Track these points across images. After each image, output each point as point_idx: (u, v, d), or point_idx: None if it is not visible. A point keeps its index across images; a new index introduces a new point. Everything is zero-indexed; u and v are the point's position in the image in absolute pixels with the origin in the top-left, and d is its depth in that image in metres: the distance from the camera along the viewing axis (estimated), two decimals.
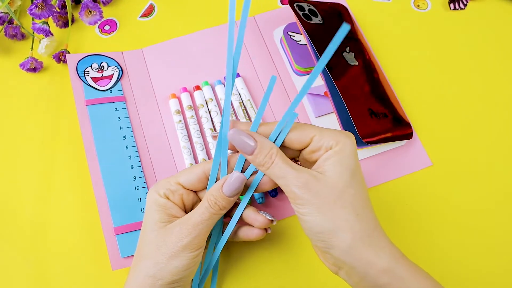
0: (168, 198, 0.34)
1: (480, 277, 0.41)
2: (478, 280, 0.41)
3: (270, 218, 0.35)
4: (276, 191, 0.43)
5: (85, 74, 0.49)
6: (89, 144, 0.45)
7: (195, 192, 0.36)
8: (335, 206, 0.30)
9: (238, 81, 0.49)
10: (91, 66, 0.50)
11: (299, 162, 0.35)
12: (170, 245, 0.32)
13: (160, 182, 0.35)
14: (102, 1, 0.55)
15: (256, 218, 0.35)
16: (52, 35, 0.52)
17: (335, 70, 0.45)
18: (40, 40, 0.51)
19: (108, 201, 0.43)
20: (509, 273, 0.41)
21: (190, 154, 0.45)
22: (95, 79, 0.49)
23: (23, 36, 0.54)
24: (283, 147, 0.33)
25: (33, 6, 0.49)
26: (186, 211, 0.35)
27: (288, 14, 0.54)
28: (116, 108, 0.48)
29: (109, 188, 0.43)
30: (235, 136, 0.32)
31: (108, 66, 0.50)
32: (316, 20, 0.48)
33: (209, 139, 0.46)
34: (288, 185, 0.31)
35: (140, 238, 0.34)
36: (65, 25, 0.54)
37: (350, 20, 0.52)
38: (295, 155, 0.34)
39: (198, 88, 0.49)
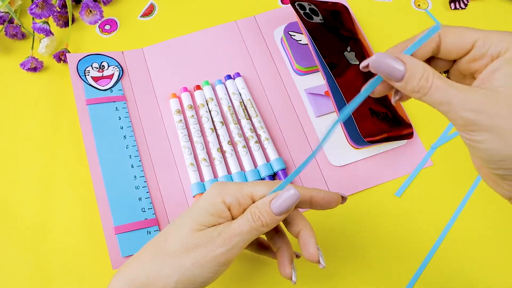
0: (229, 209, 0.30)
1: (481, 276, 0.41)
2: (480, 279, 0.41)
3: (342, 195, 0.33)
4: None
5: (86, 74, 0.49)
6: (90, 143, 0.45)
7: None
8: None
9: (238, 80, 0.49)
10: (91, 66, 0.50)
11: (449, 77, 0.30)
12: (200, 252, 0.29)
13: (229, 187, 0.31)
14: (103, 1, 0.55)
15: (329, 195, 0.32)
16: (53, 34, 0.52)
17: (337, 69, 0.45)
18: (40, 39, 0.51)
19: (109, 201, 0.43)
20: (509, 268, 0.41)
21: (191, 153, 0.45)
22: (95, 79, 0.49)
23: (23, 36, 0.54)
24: (432, 58, 0.28)
25: (34, 5, 0.49)
26: None
27: (288, 14, 0.54)
28: (116, 107, 0.48)
29: (109, 188, 0.43)
30: (379, 60, 0.26)
31: (108, 66, 0.50)
32: (317, 19, 0.48)
33: (209, 138, 0.46)
34: (456, 110, 0.25)
35: (167, 230, 0.31)
36: (66, 24, 0.54)
37: (350, 19, 0.52)
38: (445, 68, 0.29)
39: (198, 87, 0.49)
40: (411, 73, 0.26)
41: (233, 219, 0.31)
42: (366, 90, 0.27)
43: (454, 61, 0.28)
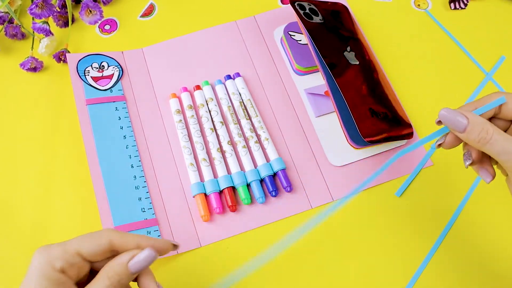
0: (63, 272, 0.28)
1: (480, 277, 0.41)
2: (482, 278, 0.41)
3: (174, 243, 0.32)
4: (276, 191, 0.43)
5: (86, 74, 0.49)
6: (90, 143, 0.45)
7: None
8: None
9: (238, 80, 0.49)
10: (91, 66, 0.50)
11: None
12: None
13: (54, 250, 0.28)
14: (103, 1, 0.55)
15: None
16: (52, 34, 0.52)
17: (337, 69, 0.45)
18: (40, 39, 0.51)
19: (109, 201, 0.43)
20: (509, 268, 0.41)
21: (191, 153, 0.45)
22: (95, 79, 0.49)
23: (23, 36, 0.54)
24: (493, 118, 0.32)
25: (33, 5, 0.49)
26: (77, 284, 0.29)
27: (288, 14, 0.54)
28: (116, 107, 0.48)
29: (109, 188, 0.43)
30: (447, 114, 0.31)
31: (108, 66, 0.50)
32: (317, 19, 0.48)
33: (209, 138, 0.46)
34: (510, 160, 0.29)
35: None
36: (66, 24, 0.54)
37: (350, 19, 0.52)
38: (503, 128, 0.33)
39: (198, 87, 0.49)
40: (472, 126, 0.30)
41: (72, 280, 0.28)
42: (434, 134, 0.33)
43: (511, 122, 0.32)
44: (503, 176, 0.33)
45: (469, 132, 0.30)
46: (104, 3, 0.56)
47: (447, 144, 0.33)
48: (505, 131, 0.33)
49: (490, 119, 0.32)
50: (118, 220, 0.42)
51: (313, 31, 0.46)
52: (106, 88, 0.49)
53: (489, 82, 0.51)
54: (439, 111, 0.31)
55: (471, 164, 0.33)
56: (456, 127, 0.31)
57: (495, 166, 0.34)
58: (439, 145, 0.34)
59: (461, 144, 0.33)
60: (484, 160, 0.34)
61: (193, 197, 0.44)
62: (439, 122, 0.32)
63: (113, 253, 0.29)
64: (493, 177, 0.34)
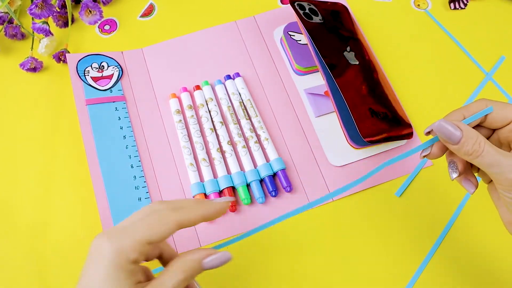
0: (136, 263, 0.27)
1: (480, 276, 0.41)
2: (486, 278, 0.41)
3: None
4: (276, 191, 0.43)
5: (85, 74, 0.49)
6: (89, 143, 0.45)
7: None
8: None
9: (238, 80, 0.49)
10: (91, 66, 0.50)
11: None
12: None
13: (127, 240, 0.26)
14: (102, 1, 0.55)
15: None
16: (52, 34, 0.52)
17: (337, 69, 0.45)
18: (40, 39, 0.51)
19: (108, 200, 0.43)
20: (509, 268, 0.41)
21: (190, 153, 0.45)
22: (95, 79, 0.49)
23: (23, 36, 0.54)
24: (477, 126, 0.33)
25: (33, 5, 0.49)
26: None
27: (288, 14, 0.54)
28: (116, 107, 0.48)
29: (109, 188, 0.43)
30: (441, 127, 0.31)
31: (108, 66, 0.50)
32: (317, 19, 0.48)
33: (209, 138, 0.46)
34: (504, 172, 0.29)
35: None
36: (65, 24, 0.54)
37: (350, 19, 0.52)
38: (485, 136, 0.33)
39: (198, 87, 0.49)
40: (466, 138, 0.30)
41: (143, 269, 0.29)
42: (423, 145, 0.33)
43: (494, 130, 0.33)
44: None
45: (462, 145, 0.30)
46: (104, 3, 0.56)
47: (433, 155, 0.33)
48: (488, 138, 0.34)
49: (474, 128, 0.33)
50: (118, 220, 0.42)
51: (313, 31, 0.46)
52: (106, 88, 0.49)
53: (489, 82, 0.51)
54: (433, 123, 0.32)
55: (457, 176, 0.33)
56: (450, 139, 0.31)
57: (476, 174, 0.34)
58: (424, 156, 0.34)
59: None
60: (467, 171, 0.34)
61: (193, 197, 0.43)
62: (428, 133, 0.32)
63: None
64: (476, 187, 0.34)
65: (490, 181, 0.34)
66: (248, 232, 0.33)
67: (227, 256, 0.30)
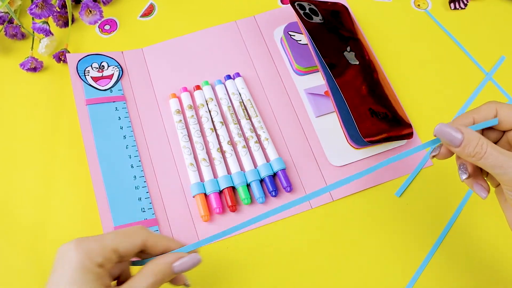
0: (102, 267, 0.28)
1: (480, 276, 0.41)
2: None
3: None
4: (276, 191, 0.43)
5: (86, 74, 0.49)
6: (90, 143, 0.45)
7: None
8: None
9: (238, 80, 0.49)
10: (91, 66, 0.50)
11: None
12: None
13: (93, 244, 0.28)
14: (102, 1, 0.55)
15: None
16: (52, 34, 0.52)
17: (337, 69, 0.45)
18: (40, 39, 0.51)
19: (109, 201, 0.43)
20: (509, 268, 0.41)
21: (191, 153, 0.45)
22: (95, 79, 0.49)
23: (23, 36, 0.54)
24: (487, 128, 0.33)
25: (33, 5, 0.49)
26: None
27: (288, 14, 0.54)
28: (116, 107, 0.48)
29: (109, 188, 0.43)
30: (441, 130, 0.31)
31: (108, 66, 0.50)
32: (317, 19, 0.48)
33: (209, 138, 0.46)
34: (507, 173, 0.30)
35: None
36: (65, 24, 0.54)
37: (350, 20, 0.52)
38: (495, 138, 0.34)
39: (198, 87, 0.49)
40: (467, 141, 0.30)
41: (109, 276, 0.29)
42: (427, 144, 0.33)
43: (504, 132, 0.33)
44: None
45: (464, 147, 0.31)
46: (104, 3, 0.56)
47: (441, 155, 0.34)
48: (497, 141, 0.34)
49: (482, 131, 0.33)
50: (118, 220, 0.42)
51: (313, 31, 0.46)
52: (106, 88, 0.49)
53: (489, 82, 0.51)
54: (435, 126, 0.32)
55: (467, 178, 0.33)
56: (452, 142, 0.31)
57: (485, 178, 0.34)
58: (433, 157, 0.34)
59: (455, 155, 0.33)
60: (477, 174, 0.34)
61: (193, 197, 0.43)
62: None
63: (141, 252, 0.30)
64: (488, 192, 0.34)
65: (498, 185, 0.34)
66: (237, 226, 0.33)
67: (196, 259, 0.31)
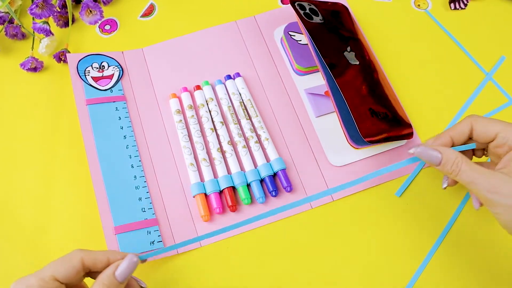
0: None
1: (481, 276, 0.41)
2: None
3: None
4: (276, 191, 0.43)
5: (86, 74, 0.49)
6: (90, 143, 0.45)
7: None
8: None
9: (238, 80, 0.49)
10: (91, 66, 0.50)
11: (486, 153, 0.39)
12: None
13: (31, 280, 0.30)
14: (103, 1, 0.56)
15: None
16: (53, 34, 0.52)
17: (337, 69, 0.45)
18: (40, 39, 0.51)
19: (109, 200, 0.43)
20: (509, 268, 0.41)
21: (191, 153, 0.45)
22: (95, 79, 0.49)
23: (23, 36, 0.54)
24: (471, 139, 0.37)
25: (34, 5, 0.49)
26: None
27: (288, 14, 0.54)
28: (116, 107, 0.48)
29: (109, 188, 0.43)
30: (422, 152, 0.35)
31: (108, 66, 0.50)
32: (317, 19, 0.48)
33: (209, 138, 0.46)
34: (479, 189, 0.33)
35: None
36: (66, 24, 0.54)
37: (350, 20, 0.52)
38: (483, 147, 0.37)
39: (198, 87, 0.49)
40: (446, 160, 0.34)
41: None
42: (406, 161, 0.36)
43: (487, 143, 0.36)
44: None
45: (443, 165, 0.34)
46: (104, 3, 0.56)
47: (452, 183, 0.39)
48: (485, 151, 0.38)
49: (469, 140, 0.37)
50: (118, 220, 0.42)
51: (313, 31, 0.46)
52: (106, 88, 0.49)
53: (489, 82, 0.51)
54: (415, 147, 0.35)
55: (448, 186, 0.39)
56: (432, 161, 0.35)
57: None
58: (446, 188, 0.39)
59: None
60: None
61: (193, 197, 0.44)
62: (412, 154, 0.36)
63: (86, 272, 0.32)
64: (481, 205, 0.37)
65: None
66: (231, 225, 0.35)
67: (133, 261, 0.32)
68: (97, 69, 0.50)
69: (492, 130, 0.35)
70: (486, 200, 0.33)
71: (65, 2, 0.53)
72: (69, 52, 0.51)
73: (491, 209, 0.33)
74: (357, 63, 0.47)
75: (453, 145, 0.37)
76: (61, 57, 0.51)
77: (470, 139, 0.37)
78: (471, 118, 0.36)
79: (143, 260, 0.35)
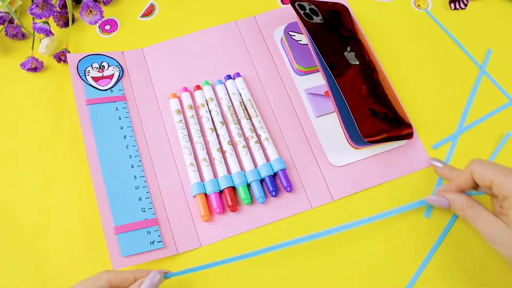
0: None
1: (481, 276, 0.41)
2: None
3: None
4: (276, 191, 0.43)
5: (86, 74, 0.49)
6: (90, 143, 0.45)
7: None
8: None
9: (238, 80, 0.49)
10: (91, 66, 0.50)
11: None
12: None
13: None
14: (103, 1, 0.55)
15: None
16: (53, 34, 0.52)
17: (337, 69, 0.45)
18: (40, 39, 0.51)
19: (109, 200, 0.43)
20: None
21: (191, 153, 0.45)
22: (95, 79, 0.49)
23: (23, 36, 0.54)
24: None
25: (34, 5, 0.49)
26: None
27: (288, 14, 0.54)
28: (116, 107, 0.48)
29: (109, 188, 0.43)
30: (432, 200, 0.40)
31: (108, 66, 0.50)
32: (317, 19, 0.48)
33: (209, 138, 0.46)
34: (481, 235, 0.36)
35: None
36: (66, 24, 0.54)
37: (350, 20, 0.52)
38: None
39: (198, 87, 0.49)
40: (453, 206, 0.39)
41: None
42: (412, 205, 0.42)
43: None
44: None
45: (452, 209, 0.39)
46: (104, 3, 0.56)
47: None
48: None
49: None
50: (118, 220, 0.42)
51: (313, 31, 0.46)
52: (107, 88, 0.49)
53: (488, 80, 0.51)
54: (425, 198, 0.41)
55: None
56: (442, 207, 0.40)
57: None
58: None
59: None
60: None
61: (193, 197, 0.44)
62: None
63: None
64: None
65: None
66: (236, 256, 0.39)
67: (156, 278, 0.35)
68: (97, 69, 0.50)
69: (487, 179, 0.36)
70: (488, 243, 0.35)
71: (65, 2, 0.53)
72: (69, 52, 0.51)
73: (499, 252, 0.35)
74: (357, 63, 0.47)
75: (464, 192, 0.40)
76: (61, 57, 0.51)
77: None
78: (471, 164, 0.37)
79: (166, 278, 0.37)
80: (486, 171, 0.36)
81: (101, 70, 0.50)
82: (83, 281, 0.33)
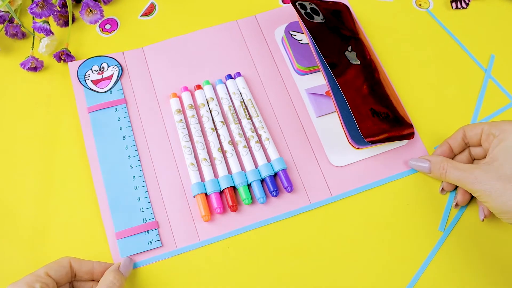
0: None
1: (482, 276, 0.41)
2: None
3: None
4: (277, 192, 0.43)
5: (86, 78, 0.49)
6: (90, 143, 0.45)
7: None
8: (506, 191, 0.35)
9: (239, 80, 0.49)
10: (91, 69, 0.50)
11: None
12: None
13: (28, 277, 0.35)
14: (103, 0, 0.55)
15: None
16: (53, 34, 0.52)
17: (338, 69, 0.45)
18: (40, 39, 0.51)
19: (108, 201, 0.43)
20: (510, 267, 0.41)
21: (191, 153, 0.45)
22: (95, 82, 0.49)
23: (23, 35, 0.53)
24: (468, 146, 0.42)
25: (34, 5, 0.49)
26: None
27: (289, 13, 0.54)
28: (116, 108, 0.48)
29: (109, 188, 0.43)
30: (413, 163, 0.43)
31: (108, 66, 0.50)
32: (318, 18, 0.48)
33: (210, 138, 0.46)
34: (464, 184, 0.37)
35: None
36: (66, 24, 0.54)
37: (351, 19, 0.52)
38: (483, 154, 0.41)
39: (199, 87, 0.49)
40: (433, 167, 0.40)
41: None
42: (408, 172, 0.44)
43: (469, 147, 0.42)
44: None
45: (432, 171, 0.41)
46: (105, 3, 0.56)
47: (461, 202, 0.42)
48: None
49: (470, 151, 0.43)
50: (119, 225, 0.42)
51: (314, 30, 0.46)
52: (106, 89, 0.49)
53: (489, 81, 0.50)
54: (409, 161, 0.43)
55: (485, 217, 0.41)
56: (424, 170, 0.41)
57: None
58: (456, 205, 0.42)
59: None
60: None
61: (194, 197, 0.43)
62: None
63: (73, 278, 0.37)
64: (485, 216, 0.41)
65: None
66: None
67: (128, 259, 0.40)
68: (97, 71, 0.50)
69: (479, 127, 0.40)
70: (472, 191, 0.37)
71: (65, 1, 0.53)
72: (69, 51, 0.51)
73: (479, 198, 0.37)
74: (358, 62, 0.47)
75: (452, 152, 0.42)
76: (61, 56, 0.51)
77: (467, 146, 0.42)
78: (463, 126, 0.42)
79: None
80: (477, 124, 0.40)
81: (100, 72, 0.50)
82: (48, 264, 0.36)
